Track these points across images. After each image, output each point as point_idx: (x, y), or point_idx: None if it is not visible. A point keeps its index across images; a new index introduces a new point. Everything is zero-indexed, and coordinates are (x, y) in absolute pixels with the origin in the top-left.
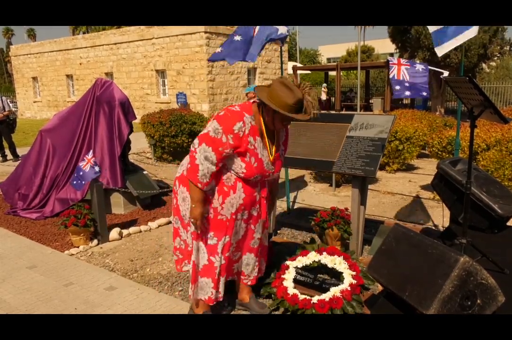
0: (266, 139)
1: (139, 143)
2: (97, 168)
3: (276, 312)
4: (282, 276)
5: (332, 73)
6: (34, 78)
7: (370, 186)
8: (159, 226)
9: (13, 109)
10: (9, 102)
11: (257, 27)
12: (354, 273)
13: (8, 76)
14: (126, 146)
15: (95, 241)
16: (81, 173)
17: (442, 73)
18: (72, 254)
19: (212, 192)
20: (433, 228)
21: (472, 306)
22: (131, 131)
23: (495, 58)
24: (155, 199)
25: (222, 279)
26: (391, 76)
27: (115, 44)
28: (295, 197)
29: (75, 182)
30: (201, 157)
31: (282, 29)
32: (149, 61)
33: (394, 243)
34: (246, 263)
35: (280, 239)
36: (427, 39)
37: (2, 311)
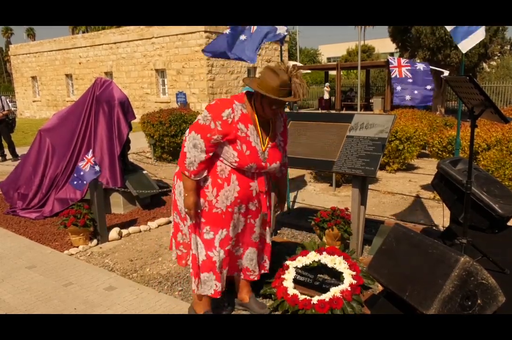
0: (258, 127)
1: (139, 142)
2: (97, 168)
3: (276, 312)
4: (282, 276)
5: (332, 73)
6: (34, 78)
7: (370, 186)
8: (158, 226)
9: (12, 109)
10: (8, 102)
11: (255, 27)
12: (354, 273)
13: (7, 75)
14: (126, 145)
15: (95, 241)
16: (81, 173)
17: (442, 73)
18: (72, 254)
19: (206, 185)
20: (434, 228)
21: (473, 306)
22: (130, 130)
23: (496, 58)
24: (154, 199)
25: (224, 271)
26: (392, 76)
27: (115, 43)
28: (295, 197)
29: (75, 182)
30: (190, 145)
31: (281, 29)
32: (149, 61)
33: (395, 243)
34: (250, 258)
35: (280, 239)
36: (428, 38)
37: (1, 311)
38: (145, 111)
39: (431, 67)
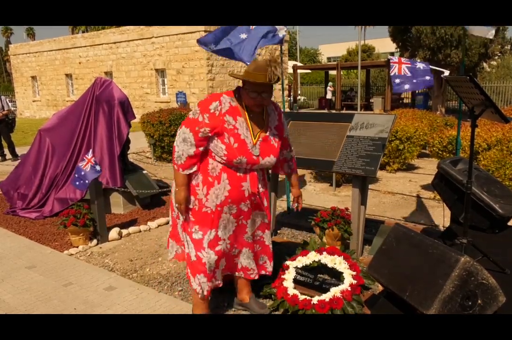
0: (248, 120)
1: (139, 142)
2: (98, 167)
3: (276, 312)
4: (282, 276)
5: (333, 72)
6: (33, 77)
7: (370, 186)
8: (158, 226)
9: (12, 108)
10: (8, 102)
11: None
12: (354, 273)
13: (7, 75)
14: (126, 145)
15: (95, 241)
16: (82, 173)
17: (442, 72)
18: (72, 254)
19: (197, 183)
20: (434, 228)
21: (473, 306)
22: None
23: (496, 57)
24: (154, 199)
25: (218, 271)
26: (392, 74)
27: (115, 43)
28: None
29: (77, 182)
30: (179, 139)
31: (281, 30)
32: (149, 60)
33: (395, 243)
34: (247, 257)
35: (280, 239)
36: (428, 38)
37: (1, 311)
38: (145, 111)
39: (431, 67)
